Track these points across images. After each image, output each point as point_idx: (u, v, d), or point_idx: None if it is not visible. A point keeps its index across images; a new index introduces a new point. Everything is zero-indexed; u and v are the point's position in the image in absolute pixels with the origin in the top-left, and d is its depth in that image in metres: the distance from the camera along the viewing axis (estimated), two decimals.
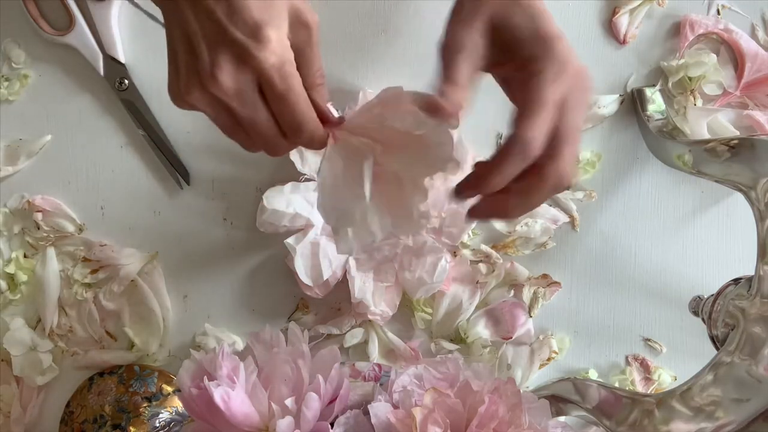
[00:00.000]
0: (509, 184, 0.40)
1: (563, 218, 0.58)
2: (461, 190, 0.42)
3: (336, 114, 0.42)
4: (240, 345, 0.58)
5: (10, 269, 0.57)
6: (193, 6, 0.38)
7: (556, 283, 0.58)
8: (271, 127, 0.39)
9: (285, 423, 0.41)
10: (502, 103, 0.58)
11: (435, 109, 0.39)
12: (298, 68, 0.39)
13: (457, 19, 0.42)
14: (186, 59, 0.39)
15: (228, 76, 0.38)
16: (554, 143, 0.39)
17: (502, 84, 0.44)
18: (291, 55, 0.38)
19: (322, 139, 0.40)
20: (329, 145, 0.41)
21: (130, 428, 0.56)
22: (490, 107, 0.58)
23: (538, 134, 0.38)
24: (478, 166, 0.41)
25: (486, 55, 0.41)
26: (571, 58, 0.39)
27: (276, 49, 0.37)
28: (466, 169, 0.57)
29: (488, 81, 0.59)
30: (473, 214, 0.43)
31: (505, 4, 0.40)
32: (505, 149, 0.39)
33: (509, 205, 0.41)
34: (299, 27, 0.39)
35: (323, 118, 0.41)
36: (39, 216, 0.57)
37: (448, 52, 0.41)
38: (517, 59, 0.40)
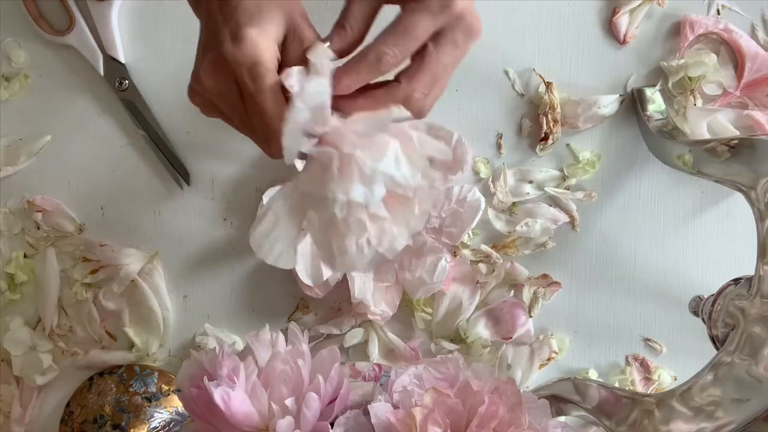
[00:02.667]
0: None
1: (563, 218, 0.58)
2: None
3: None
4: (240, 345, 0.58)
5: (10, 269, 0.58)
6: (203, 9, 0.40)
7: (556, 283, 0.58)
8: (252, 128, 0.40)
9: (285, 423, 0.41)
10: (503, 104, 0.59)
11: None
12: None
13: None
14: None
15: (208, 77, 0.39)
16: (413, 68, 0.39)
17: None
18: (268, 56, 0.38)
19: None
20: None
21: (130, 428, 0.56)
22: (491, 107, 0.59)
23: (392, 52, 0.39)
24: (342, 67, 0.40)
25: None
26: (458, 1, 0.39)
27: (249, 48, 0.37)
28: (467, 169, 0.58)
29: (488, 79, 0.59)
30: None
31: None
32: (359, 56, 0.39)
33: (355, 105, 0.41)
34: (294, 40, 0.40)
35: None
36: (39, 216, 0.57)
37: None
38: None
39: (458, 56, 0.40)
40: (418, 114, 0.41)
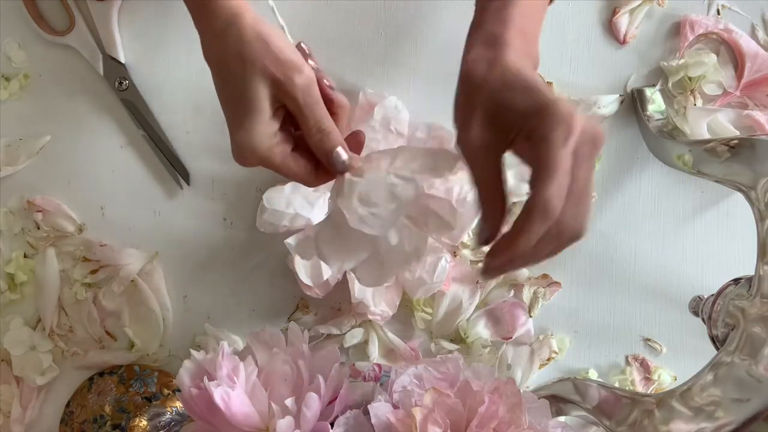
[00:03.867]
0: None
1: None
2: (493, 264, 0.42)
3: None
4: (240, 345, 0.58)
5: (10, 269, 0.58)
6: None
7: (556, 283, 0.58)
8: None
9: (285, 423, 0.41)
10: None
11: (487, 242, 0.41)
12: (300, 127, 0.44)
13: (459, 124, 0.43)
14: None
15: (243, 162, 0.44)
16: (570, 198, 0.39)
17: (519, 157, 0.44)
18: (266, 145, 0.43)
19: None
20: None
21: (130, 428, 0.56)
22: None
23: (555, 193, 0.39)
24: (506, 237, 0.41)
25: (498, 149, 0.42)
26: (573, 115, 0.39)
27: (250, 157, 0.43)
28: (467, 169, 0.58)
29: None
30: (489, 272, 0.43)
31: (495, 89, 0.41)
32: (527, 213, 0.39)
33: (526, 259, 0.41)
34: (286, 98, 0.42)
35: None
36: (39, 216, 0.57)
37: (469, 158, 0.42)
38: (524, 132, 0.40)
39: (590, 166, 0.40)
40: (577, 235, 0.40)
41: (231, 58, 0.42)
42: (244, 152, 0.43)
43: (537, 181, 0.39)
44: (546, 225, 0.39)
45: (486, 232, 0.41)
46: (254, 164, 0.44)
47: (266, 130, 0.43)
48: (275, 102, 0.43)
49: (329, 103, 0.44)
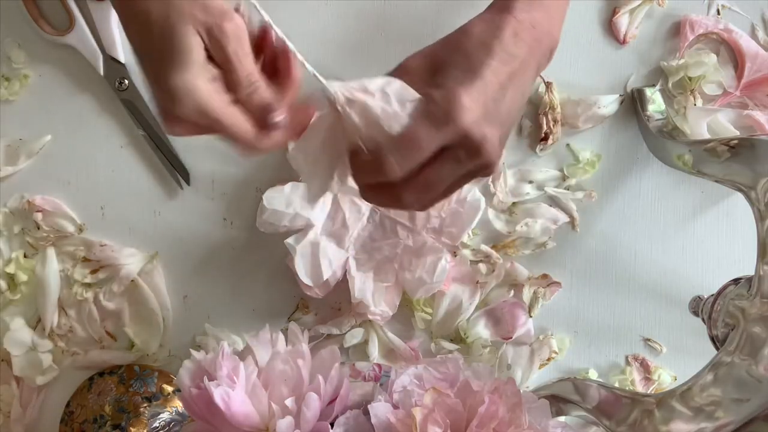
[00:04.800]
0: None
1: (563, 218, 0.58)
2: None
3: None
4: (240, 345, 0.58)
5: (10, 269, 0.57)
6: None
7: (556, 283, 0.58)
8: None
9: (285, 423, 0.41)
10: None
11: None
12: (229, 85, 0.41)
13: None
14: None
15: (176, 129, 0.42)
16: (416, 180, 0.40)
17: None
18: (205, 94, 0.39)
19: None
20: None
21: (130, 428, 0.56)
22: None
23: (397, 158, 0.39)
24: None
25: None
26: (459, 115, 0.38)
27: (188, 106, 0.39)
28: None
29: None
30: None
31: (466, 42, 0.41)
32: (370, 161, 0.40)
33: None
34: (215, 47, 0.40)
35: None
36: (39, 216, 0.57)
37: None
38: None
39: (459, 173, 0.40)
40: (410, 207, 0.42)
41: (153, 6, 0.39)
42: (179, 99, 0.39)
43: (397, 139, 0.39)
44: (377, 175, 0.39)
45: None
46: (190, 118, 0.39)
47: (203, 72, 0.39)
48: (206, 52, 0.40)
49: (273, 59, 0.42)
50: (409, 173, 0.39)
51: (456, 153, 0.39)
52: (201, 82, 0.39)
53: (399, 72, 0.42)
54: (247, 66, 0.40)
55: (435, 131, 0.38)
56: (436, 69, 0.41)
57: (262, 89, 0.41)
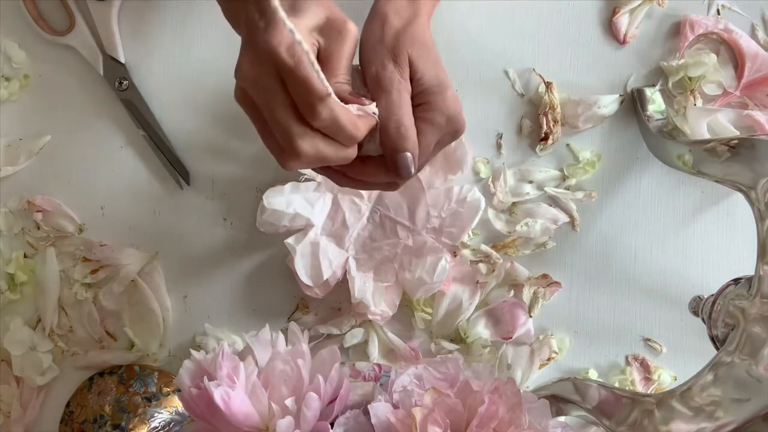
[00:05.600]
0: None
1: (563, 218, 0.58)
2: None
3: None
4: (240, 345, 0.58)
5: (10, 269, 0.58)
6: (241, 15, 0.41)
7: (556, 283, 0.58)
8: (287, 113, 0.39)
9: (285, 423, 0.41)
10: (503, 104, 0.59)
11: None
12: (324, 72, 0.40)
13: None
14: None
15: (247, 63, 0.39)
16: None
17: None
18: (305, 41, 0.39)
19: (351, 126, 0.41)
20: None
21: (130, 428, 0.56)
22: (491, 107, 0.58)
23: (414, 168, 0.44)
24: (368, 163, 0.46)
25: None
26: (456, 108, 0.46)
27: (285, 32, 0.37)
28: (467, 169, 0.58)
29: (488, 80, 0.59)
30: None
31: (417, 47, 0.45)
32: (392, 167, 0.44)
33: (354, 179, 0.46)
34: (331, 31, 0.41)
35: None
36: (39, 216, 0.57)
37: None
38: (418, 99, 0.45)
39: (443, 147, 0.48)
40: (406, 175, 0.46)
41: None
42: (279, 33, 0.37)
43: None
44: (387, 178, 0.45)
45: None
46: (277, 53, 0.37)
47: (302, 23, 0.40)
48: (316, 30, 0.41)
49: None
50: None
51: (444, 139, 0.47)
52: (305, 32, 0.40)
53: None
54: (347, 69, 0.43)
55: (441, 139, 0.47)
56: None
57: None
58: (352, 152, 0.42)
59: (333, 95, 0.39)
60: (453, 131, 0.46)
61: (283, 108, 0.39)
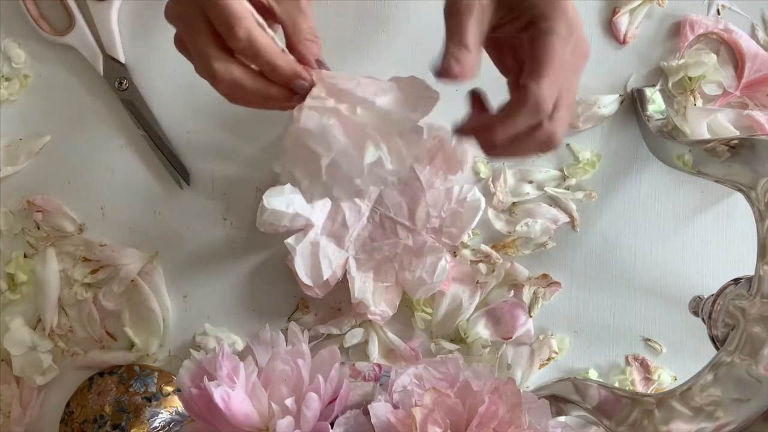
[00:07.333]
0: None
1: (563, 218, 0.58)
2: (464, 132, 0.42)
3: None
4: (240, 345, 0.58)
5: (10, 269, 0.58)
6: None
7: (556, 283, 0.58)
8: (206, 40, 0.39)
9: (285, 423, 0.41)
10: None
11: (448, 73, 0.39)
12: (288, 34, 0.41)
13: None
14: None
15: (172, 1, 0.40)
16: (560, 102, 0.40)
17: (497, 48, 0.44)
18: None
19: (287, 68, 0.40)
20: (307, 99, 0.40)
21: (130, 428, 0.56)
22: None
23: (551, 92, 0.39)
24: (490, 119, 0.41)
25: (492, 16, 0.41)
26: (578, 20, 0.40)
27: None
28: (467, 169, 0.58)
29: (488, 80, 0.59)
30: (461, 131, 0.43)
31: None
32: (518, 105, 0.39)
33: (496, 146, 0.41)
34: None
35: (304, 62, 0.41)
36: (39, 216, 0.57)
37: (456, 14, 0.41)
38: (525, 17, 0.40)
39: (577, 80, 0.41)
40: (556, 143, 0.41)
41: None
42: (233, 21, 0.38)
43: (534, 74, 0.39)
44: (532, 121, 0.39)
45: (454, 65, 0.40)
46: (241, 45, 0.38)
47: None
48: None
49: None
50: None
51: (574, 60, 0.40)
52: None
53: (465, 11, 0.40)
54: (310, 22, 0.41)
55: (566, 44, 0.39)
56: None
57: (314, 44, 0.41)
58: (275, 91, 0.40)
59: (254, 17, 0.39)
60: (581, 48, 0.40)
61: (203, 35, 0.39)
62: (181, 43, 0.42)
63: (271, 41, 0.40)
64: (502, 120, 0.40)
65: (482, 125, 0.41)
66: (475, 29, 0.40)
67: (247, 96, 0.41)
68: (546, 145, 0.41)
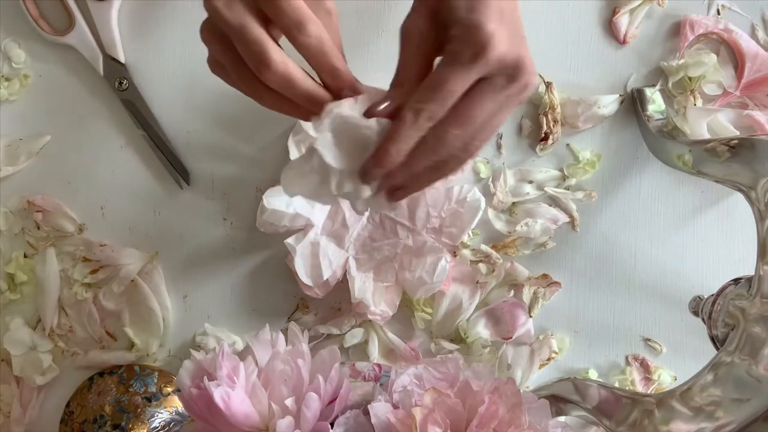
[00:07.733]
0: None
1: (563, 218, 0.58)
2: (367, 172, 0.40)
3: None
4: (240, 345, 0.58)
5: (10, 269, 0.58)
6: None
7: (556, 283, 0.58)
8: (260, 28, 0.39)
9: (285, 423, 0.41)
10: None
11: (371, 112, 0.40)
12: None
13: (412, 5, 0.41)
14: None
15: (205, 32, 0.41)
16: (457, 118, 0.39)
17: None
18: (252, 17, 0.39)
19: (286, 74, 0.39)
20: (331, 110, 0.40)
21: (130, 428, 0.56)
22: None
23: (431, 106, 0.38)
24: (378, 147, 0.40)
25: (436, 39, 0.40)
26: (490, 42, 0.37)
27: (235, 13, 0.39)
28: (467, 169, 0.58)
29: None
30: (395, 195, 0.42)
31: None
32: (397, 120, 0.39)
33: (422, 175, 0.41)
34: (319, 11, 0.40)
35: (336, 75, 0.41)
36: (39, 216, 0.57)
37: (402, 40, 0.41)
38: (445, 39, 0.39)
39: (502, 101, 0.39)
40: (457, 157, 0.40)
41: None
42: (230, 13, 0.38)
43: (420, 88, 0.39)
44: (414, 132, 0.38)
45: (390, 106, 0.40)
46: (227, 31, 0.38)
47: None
48: None
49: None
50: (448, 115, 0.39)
51: (494, 81, 0.38)
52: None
53: (405, 40, 0.41)
54: (338, 43, 0.42)
55: (466, 70, 0.37)
56: (439, 13, 0.40)
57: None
58: (323, 93, 0.40)
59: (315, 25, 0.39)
60: (500, 68, 0.38)
61: (255, 27, 0.39)
62: (214, 34, 0.41)
63: (332, 44, 0.40)
64: (387, 139, 0.39)
65: (378, 157, 0.40)
66: (414, 57, 0.40)
67: (295, 91, 0.40)
68: (453, 161, 0.40)
